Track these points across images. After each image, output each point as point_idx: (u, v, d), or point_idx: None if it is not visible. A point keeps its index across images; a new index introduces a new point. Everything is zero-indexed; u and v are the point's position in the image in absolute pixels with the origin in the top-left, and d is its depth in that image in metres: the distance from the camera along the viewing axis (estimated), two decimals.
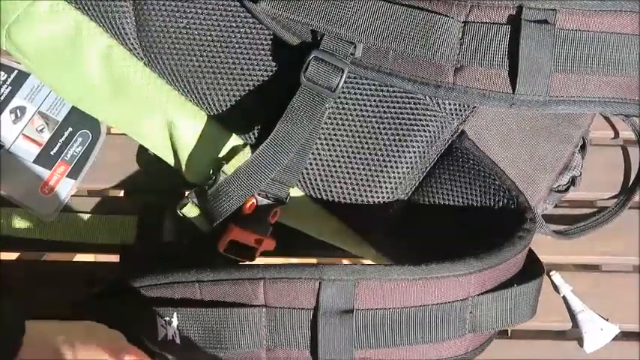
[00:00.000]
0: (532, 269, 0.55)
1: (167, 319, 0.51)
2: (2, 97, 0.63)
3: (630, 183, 0.67)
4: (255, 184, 0.54)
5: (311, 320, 0.49)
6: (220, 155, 0.59)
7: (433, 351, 0.51)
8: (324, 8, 0.54)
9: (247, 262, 0.59)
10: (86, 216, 0.65)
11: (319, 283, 0.49)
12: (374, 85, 0.57)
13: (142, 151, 0.62)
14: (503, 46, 0.54)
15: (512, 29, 0.54)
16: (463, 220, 0.56)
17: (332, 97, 0.55)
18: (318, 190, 0.58)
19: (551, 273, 0.67)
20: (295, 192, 0.59)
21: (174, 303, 0.51)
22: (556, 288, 0.67)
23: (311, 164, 0.57)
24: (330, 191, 0.58)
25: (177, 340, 0.51)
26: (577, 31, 0.54)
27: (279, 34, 0.56)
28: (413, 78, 0.55)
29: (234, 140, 0.59)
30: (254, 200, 0.57)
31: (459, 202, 0.56)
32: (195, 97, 0.57)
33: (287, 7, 0.54)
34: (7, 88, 0.63)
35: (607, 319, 0.66)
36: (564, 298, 0.66)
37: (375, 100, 0.57)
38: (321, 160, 0.57)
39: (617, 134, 0.68)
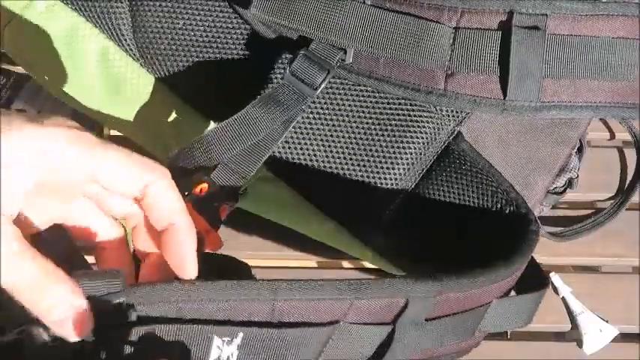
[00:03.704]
0: (537, 281, 0.54)
1: (227, 339, 0.43)
2: (2, 101, 0.63)
3: (627, 184, 0.67)
4: (216, 154, 0.51)
5: None
6: None
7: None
8: (315, 14, 0.54)
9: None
10: None
11: None
12: (370, 86, 0.57)
13: (141, 152, 0.62)
14: (494, 52, 0.53)
15: (503, 35, 0.53)
16: (461, 222, 0.56)
17: (311, 96, 0.53)
18: (315, 192, 0.58)
19: (550, 274, 0.67)
20: (293, 193, 0.59)
21: (237, 322, 0.43)
22: (555, 289, 0.67)
23: (307, 166, 0.57)
24: (327, 193, 0.58)
25: None
26: (568, 36, 0.54)
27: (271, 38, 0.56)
28: (404, 84, 0.55)
29: None
30: (205, 185, 0.52)
31: (456, 203, 0.56)
32: (192, 97, 0.58)
33: (277, 13, 0.54)
34: (6, 92, 0.63)
35: (607, 321, 0.65)
36: (564, 299, 0.66)
37: (371, 102, 0.57)
38: (317, 162, 0.57)
39: (613, 136, 0.68)
